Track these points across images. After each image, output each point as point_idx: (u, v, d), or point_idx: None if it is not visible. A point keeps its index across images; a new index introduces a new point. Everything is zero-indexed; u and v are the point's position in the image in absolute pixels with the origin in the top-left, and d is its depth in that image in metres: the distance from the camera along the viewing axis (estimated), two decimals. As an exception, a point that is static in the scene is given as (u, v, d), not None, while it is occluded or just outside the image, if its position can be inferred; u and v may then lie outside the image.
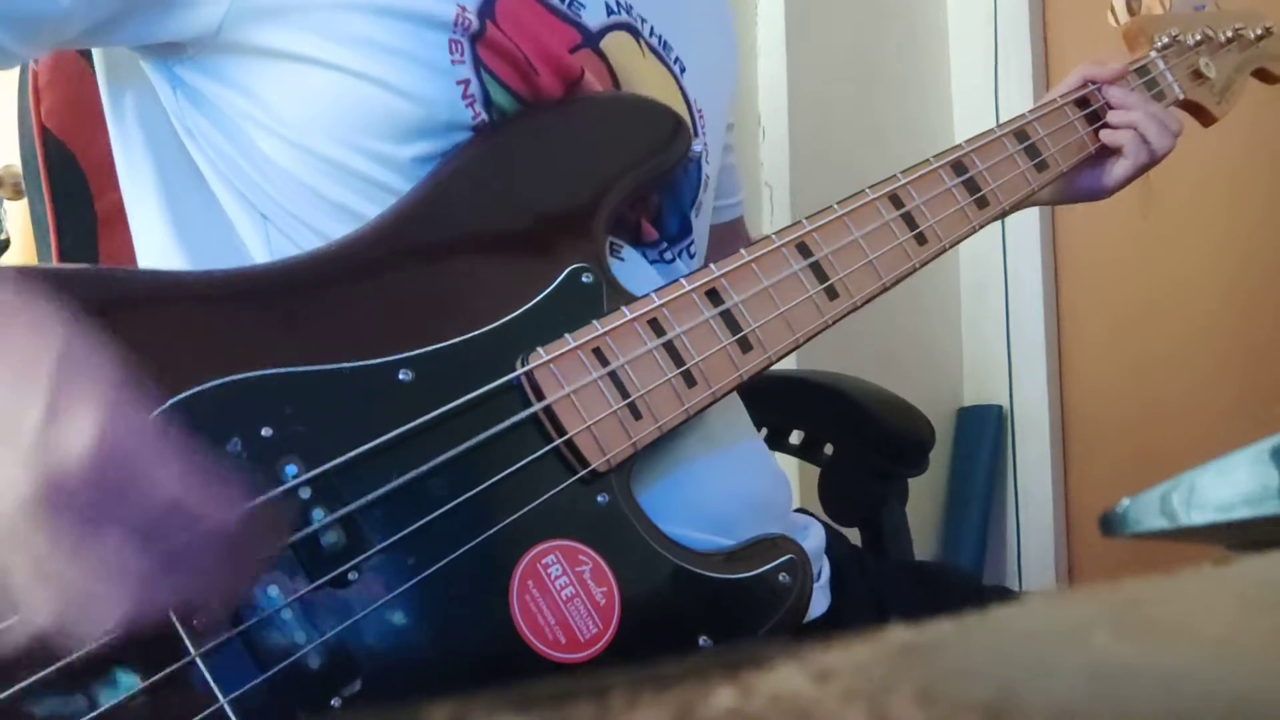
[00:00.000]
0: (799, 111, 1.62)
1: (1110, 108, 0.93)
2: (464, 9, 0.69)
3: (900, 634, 0.21)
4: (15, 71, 0.89)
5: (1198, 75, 1.01)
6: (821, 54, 1.67)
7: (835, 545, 0.85)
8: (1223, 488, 0.35)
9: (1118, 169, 0.93)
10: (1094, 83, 0.94)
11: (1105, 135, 0.93)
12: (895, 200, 0.78)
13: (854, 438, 1.08)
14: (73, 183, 0.89)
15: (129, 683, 0.52)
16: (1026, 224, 1.74)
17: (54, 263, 0.89)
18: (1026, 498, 1.73)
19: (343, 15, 0.67)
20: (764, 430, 1.11)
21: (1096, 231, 1.71)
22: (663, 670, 0.19)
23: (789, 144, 1.61)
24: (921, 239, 0.78)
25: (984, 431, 1.75)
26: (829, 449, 1.09)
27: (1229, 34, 1.04)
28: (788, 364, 1.41)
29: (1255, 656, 0.21)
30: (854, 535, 1.03)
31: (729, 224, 0.97)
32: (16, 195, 1.31)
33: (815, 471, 1.09)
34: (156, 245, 0.74)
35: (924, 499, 1.70)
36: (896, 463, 1.06)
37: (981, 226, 0.83)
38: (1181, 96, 1.00)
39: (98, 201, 0.89)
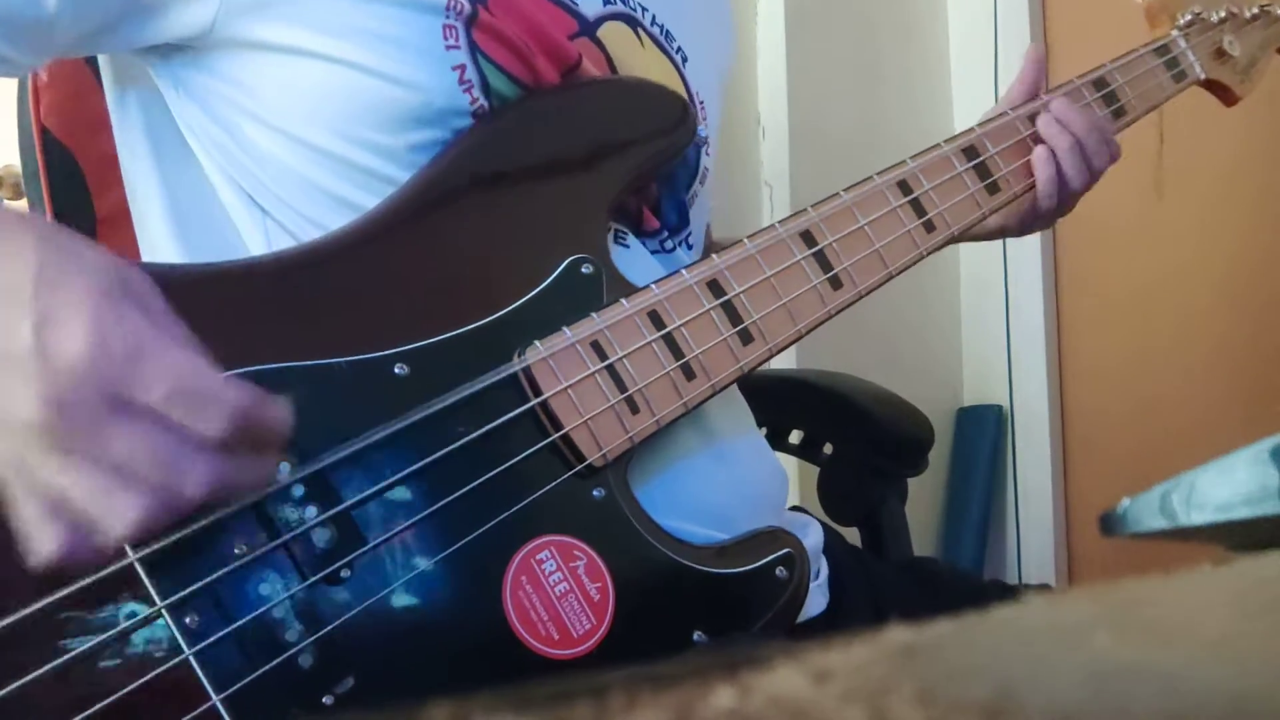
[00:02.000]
0: (799, 111, 1.62)
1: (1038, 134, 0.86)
2: None
3: (899, 634, 0.21)
4: (15, 71, 0.89)
5: (1221, 54, 0.98)
6: (821, 53, 1.67)
7: (833, 545, 0.85)
8: (1223, 488, 0.35)
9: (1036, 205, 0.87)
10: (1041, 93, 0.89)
11: (1034, 160, 0.85)
12: (904, 186, 0.76)
13: (853, 437, 1.08)
14: (72, 183, 0.88)
15: (121, 681, 0.52)
16: (1026, 224, 1.74)
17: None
18: (1026, 497, 1.73)
19: (333, 4, 0.67)
20: (764, 430, 1.11)
21: (1097, 232, 1.71)
22: (662, 670, 0.19)
23: (789, 144, 1.61)
24: (930, 226, 0.76)
25: (984, 431, 1.75)
26: (828, 448, 1.09)
27: (1254, 10, 1.01)
28: (788, 363, 1.41)
29: (1254, 656, 0.21)
30: (853, 535, 1.03)
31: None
32: (16, 195, 1.31)
33: (815, 471, 1.09)
34: (156, 240, 0.74)
35: (924, 499, 1.70)
36: (896, 462, 1.05)
37: (991, 213, 0.81)
38: (1203, 77, 0.97)
39: (97, 201, 0.88)
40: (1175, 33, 0.97)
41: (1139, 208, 1.65)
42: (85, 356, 0.46)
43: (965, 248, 1.81)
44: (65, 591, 0.51)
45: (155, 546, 0.53)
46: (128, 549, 0.52)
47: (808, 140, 1.62)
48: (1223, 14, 0.99)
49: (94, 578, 0.52)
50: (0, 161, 1.36)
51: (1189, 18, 0.98)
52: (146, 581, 0.53)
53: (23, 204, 0.98)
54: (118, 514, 0.46)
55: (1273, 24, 1.04)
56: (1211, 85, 1.00)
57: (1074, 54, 1.75)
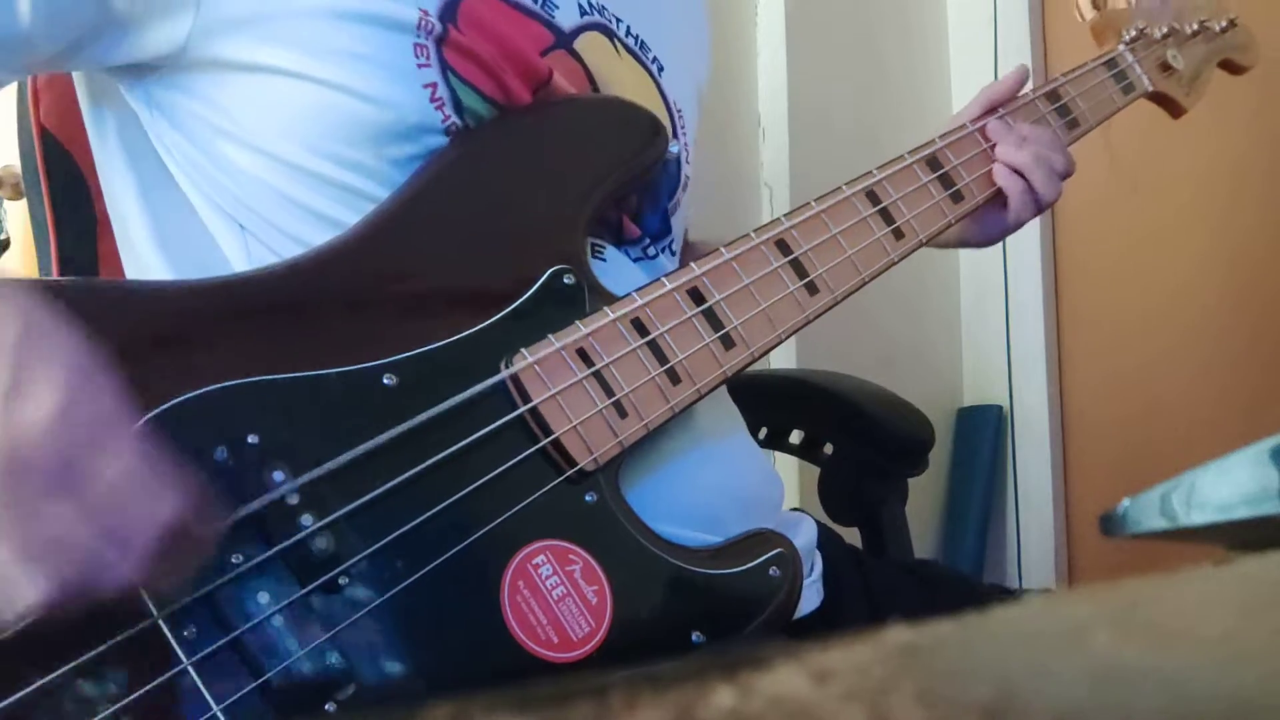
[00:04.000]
0: (799, 111, 1.62)
1: (993, 148, 0.87)
2: (426, 12, 0.69)
3: (900, 634, 0.21)
4: (14, 71, 0.89)
5: (1166, 67, 1.02)
6: (821, 54, 1.67)
7: (829, 543, 0.85)
8: (1223, 488, 0.35)
9: (1007, 217, 0.89)
10: (999, 108, 0.89)
11: (997, 176, 0.86)
12: (872, 196, 0.78)
13: (854, 438, 1.08)
14: (72, 183, 0.88)
15: (119, 693, 0.52)
16: (1026, 225, 1.74)
17: (53, 263, 0.89)
18: (1026, 498, 1.73)
19: (306, 23, 0.68)
20: (764, 430, 1.11)
21: (1096, 232, 1.71)
22: (662, 671, 0.19)
23: (789, 144, 1.61)
24: (899, 234, 0.79)
25: (984, 431, 1.75)
26: (829, 449, 1.09)
27: (1195, 26, 1.05)
28: (788, 363, 1.41)
29: (1255, 657, 0.21)
30: (854, 535, 1.03)
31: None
32: (16, 195, 1.31)
33: (815, 471, 1.09)
34: (141, 260, 0.75)
35: (924, 499, 1.70)
36: (896, 463, 1.06)
37: (956, 221, 0.83)
38: (1151, 89, 1.00)
39: (97, 202, 0.88)
40: (1122, 47, 1.00)
41: (1138, 211, 1.65)
42: (45, 431, 0.45)
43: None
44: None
45: (182, 602, 0.53)
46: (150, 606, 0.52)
47: (808, 141, 1.62)
48: (1165, 30, 1.03)
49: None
50: (0, 161, 1.36)
51: (1133, 33, 1.01)
52: (143, 593, 0.52)
53: (23, 204, 0.98)
54: (17, 592, 0.45)
55: (1213, 39, 1.07)
56: (1158, 98, 1.03)
57: (1073, 54, 1.74)
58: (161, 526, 0.47)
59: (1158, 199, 1.63)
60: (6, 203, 1.43)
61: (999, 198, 0.88)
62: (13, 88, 0.89)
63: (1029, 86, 0.93)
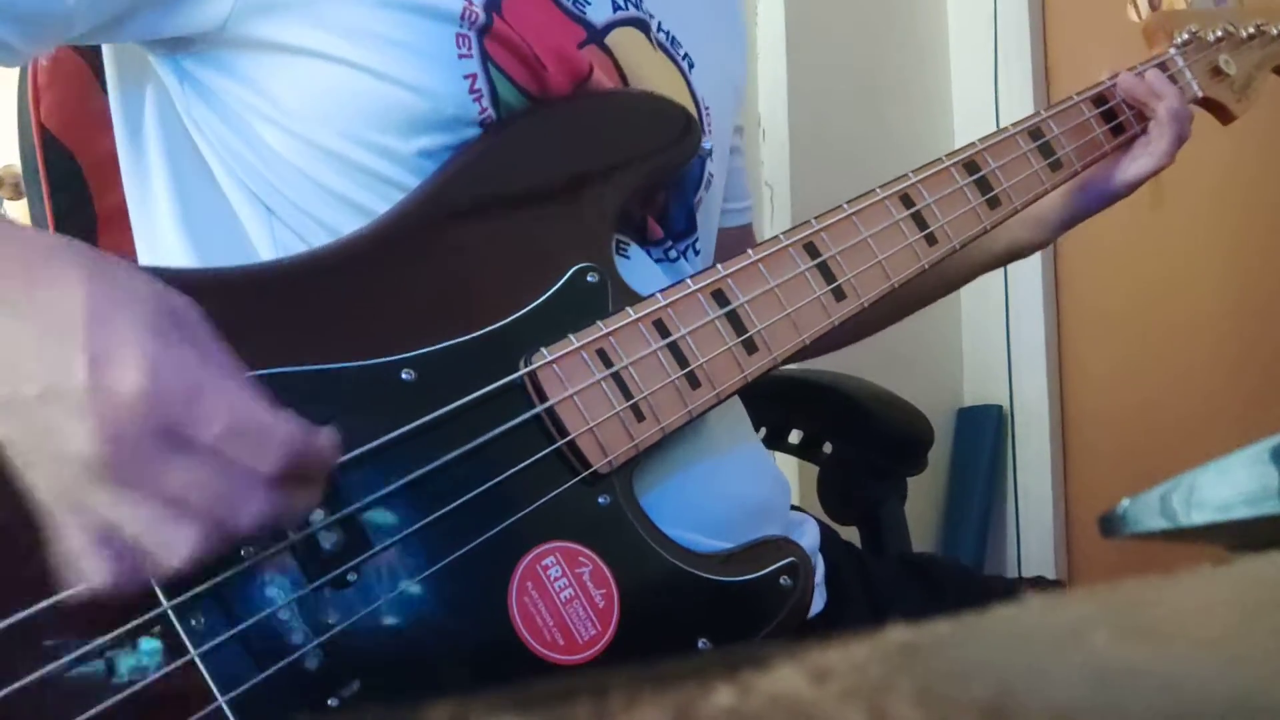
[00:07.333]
0: (799, 111, 1.62)
1: (1138, 99, 0.92)
2: (471, 3, 0.69)
3: (899, 634, 0.21)
4: (15, 71, 0.89)
5: (1217, 72, 0.98)
6: (821, 54, 1.67)
7: (831, 543, 0.85)
8: (1223, 488, 0.35)
9: (1137, 165, 0.92)
10: (1116, 76, 0.92)
11: (1153, 128, 0.91)
12: (905, 200, 0.76)
13: (853, 437, 1.08)
14: (72, 183, 0.88)
15: (126, 680, 0.52)
16: (1026, 224, 1.74)
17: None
18: (1026, 497, 1.73)
19: (349, 8, 0.67)
20: (763, 429, 1.11)
21: (1097, 232, 1.70)
22: (662, 670, 0.19)
23: (789, 144, 1.61)
24: (932, 239, 0.77)
25: (984, 431, 1.75)
26: (828, 448, 1.09)
27: (1251, 30, 1.01)
28: (788, 363, 1.41)
29: (1254, 657, 0.21)
30: (853, 534, 1.03)
31: (737, 230, 0.96)
32: (16, 195, 1.31)
33: (815, 471, 1.09)
34: (163, 241, 0.74)
35: (924, 499, 1.70)
36: (895, 462, 1.05)
37: (994, 226, 0.81)
38: (1200, 94, 0.97)
39: (97, 201, 0.88)
40: (1173, 51, 0.97)
41: (1138, 211, 1.65)
42: (142, 394, 0.46)
43: (965, 248, 1.81)
44: (70, 593, 0.50)
45: (191, 592, 0.53)
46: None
47: (808, 142, 1.62)
48: (1219, 33, 0.99)
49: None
50: (0, 161, 1.36)
51: (1186, 36, 0.98)
52: (152, 582, 0.52)
53: (23, 204, 0.98)
54: (172, 546, 0.47)
55: (1269, 44, 1.03)
56: (1208, 103, 1.00)
57: (1074, 56, 1.75)
58: (282, 449, 0.48)
59: (1153, 209, 1.62)
60: (6, 203, 1.44)
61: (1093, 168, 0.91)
62: (13, 88, 0.89)
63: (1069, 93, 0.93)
